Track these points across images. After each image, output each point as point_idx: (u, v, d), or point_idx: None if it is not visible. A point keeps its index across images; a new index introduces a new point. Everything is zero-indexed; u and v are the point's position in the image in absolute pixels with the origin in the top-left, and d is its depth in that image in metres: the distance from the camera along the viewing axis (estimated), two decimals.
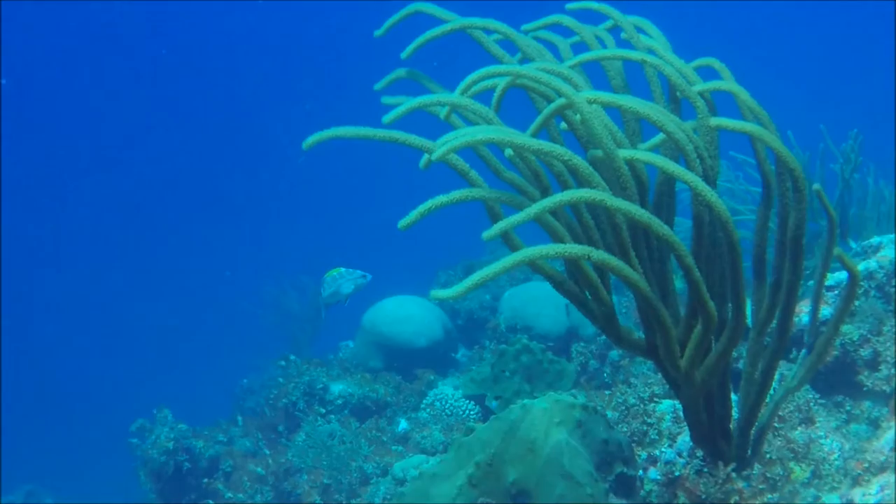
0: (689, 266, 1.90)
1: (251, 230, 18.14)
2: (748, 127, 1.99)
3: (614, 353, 4.61)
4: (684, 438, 2.79)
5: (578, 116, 2.03)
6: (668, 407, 3.24)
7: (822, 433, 2.77)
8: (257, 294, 8.77)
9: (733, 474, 2.24)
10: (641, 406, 3.27)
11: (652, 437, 3.18)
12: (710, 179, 2.01)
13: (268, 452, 4.93)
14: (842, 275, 3.29)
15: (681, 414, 3.01)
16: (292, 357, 5.37)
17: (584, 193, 1.80)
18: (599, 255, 1.80)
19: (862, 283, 3.16)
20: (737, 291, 2.05)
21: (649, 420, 3.24)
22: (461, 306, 5.83)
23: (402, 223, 1.80)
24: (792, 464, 2.60)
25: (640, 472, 2.82)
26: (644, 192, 2.06)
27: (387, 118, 1.90)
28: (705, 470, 2.65)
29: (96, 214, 19.32)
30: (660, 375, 3.62)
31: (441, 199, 1.85)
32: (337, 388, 5.09)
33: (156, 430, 5.06)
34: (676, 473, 2.70)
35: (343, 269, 4.38)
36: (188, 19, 19.73)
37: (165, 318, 15.10)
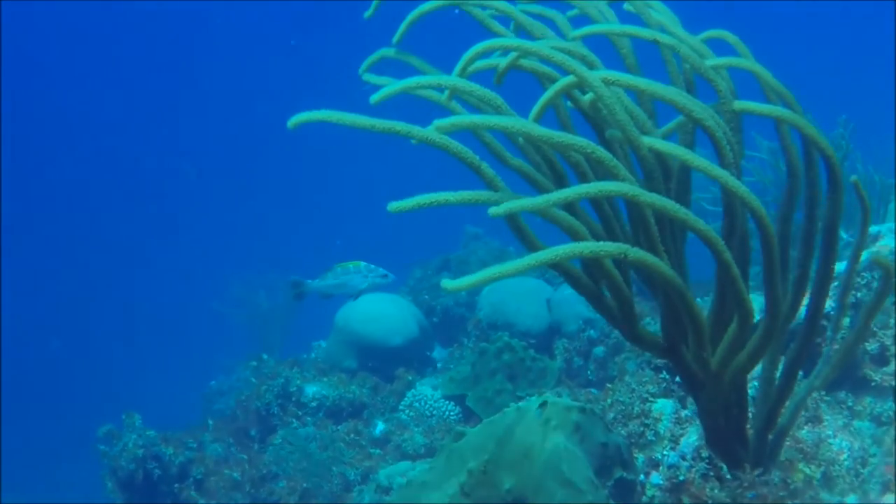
0: (728, 262, 1.76)
1: (219, 227, 17.87)
2: (777, 111, 1.85)
3: (598, 350, 4.48)
4: (688, 440, 2.66)
5: (589, 96, 1.88)
6: (665, 406, 3.11)
7: (830, 432, 2.65)
8: (225, 292, 8.56)
9: (748, 479, 2.10)
10: (637, 406, 3.13)
11: (649, 438, 3.05)
12: (737, 170, 1.87)
13: (245, 457, 4.75)
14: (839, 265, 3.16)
15: (682, 414, 2.89)
16: (265, 356, 5.19)
17: (614, 187, 1.64)
18: (636, 253, 1.65)
19: (864, 275, 3.04)
20: (773, 286, 1.91)
21: (646, 420, 3.10)
22: (437, 303, 5.68)
23: (394, 207, 1.64)
24: (801, 465, 2.47)
25: (642, 476, 2.68)
26: (668, 180, 1.91)
27: (375, 97, 1.72)
28: (711, 474, 2.52)
29: (59, 211, 18.97)
30: (653, 373, 3.49)
31: (447, 196, 1.68)
32: (311, 389, 4.92)
33: (124, 436, 4.87)
34: (681, 478, 2.57)
35: (363, 264, 4.12)
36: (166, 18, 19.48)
37: (131, 318, 14.84)
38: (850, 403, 2.98)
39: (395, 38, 2.01)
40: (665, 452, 2.68)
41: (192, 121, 19.80)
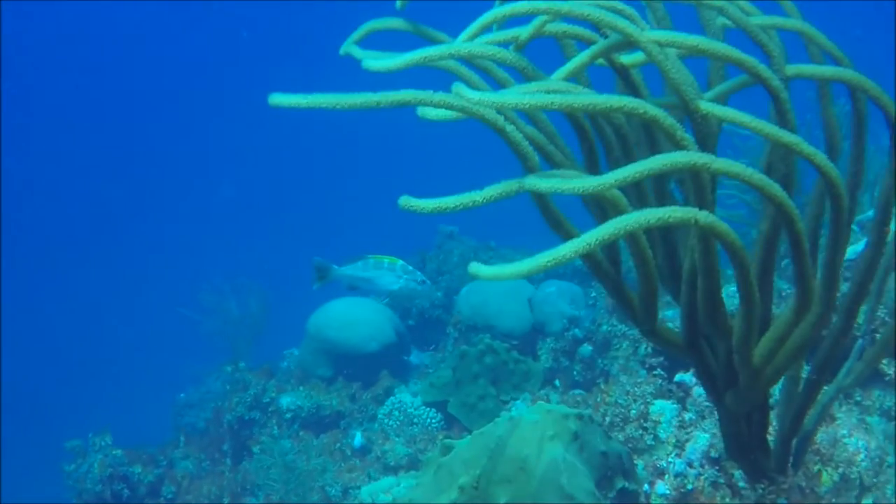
0: (799, 234, 1.57)
1: (186, 230, 17.55)
2: (842, 72, 1.67)
3: (585, 350, 4.30)
4: (694, 446, 2.48)
5: (628, 59, 1.69)
6: (664, 408, 2.94)
7: (844, 431, 2.48)
8: (193, 298, 8.29)
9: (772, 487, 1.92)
10: (635, 408, 2.96)
11: (648, 442, 2.88)
12: None
13: (226, 472, 4.54)
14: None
15: (686, 418, 2.71)
16: (241, 365, 4.97)
17: (683, 157, 1.43)
18: (707, 218, 1.45)
19: None
20: (833, 269, 1.73)
21: (644, 423, 2.93)
22: (412, 305, 5.47)
23: (407, 204, 1.45)
24: (817, 468, 2.30)
25: (646, 486, 2.50)
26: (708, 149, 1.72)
27: (376, 64, 1.51)
28: (721, 481, 2.34)
29: (19, 216, 18.58)
30: (646, 373, 3.31)
31: (473, 197, 1.47)
32: (285, 400, 4.71)
33: (89, 457, 4.65)
34: (689, 487, 2.40)
35: (400, 262, 3.68)
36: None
37: (94, 326, 14.51)
38: (857, 398, 2.81)
39: (399, 4, 1.79)
40: (670, 459, 2.50)
41: (159, 122, 19.52)
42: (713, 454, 2.38)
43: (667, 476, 2.47)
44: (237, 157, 18.97)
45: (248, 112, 14.64)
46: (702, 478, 2.37)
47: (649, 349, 3.27)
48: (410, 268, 3.42)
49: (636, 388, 3.08)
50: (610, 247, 1.82)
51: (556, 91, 1.53)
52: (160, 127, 19.62)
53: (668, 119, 1.52)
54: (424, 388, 4.43)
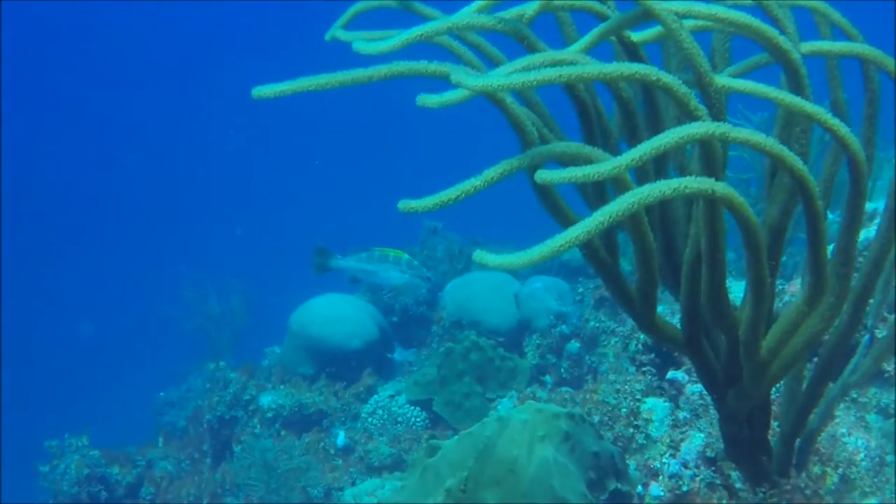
0: (818, 212, 1.48)
1: (168, 226, 17.37)
2: (858, 48, 1.59)
3: (572, 346, 4.22)
4: (690, 446, 2.39)
5: (638, 36, 1.61)
6: (657, 407, 2.86)
7: (844, 430, 2.40)
8: (174, 296, 8.16)
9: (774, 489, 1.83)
10: (626, 406, 2.87)
11: (640, 441, 2.80)
12: None
13: (206, 473, 4.44)
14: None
15: (680, 416, 2.63)
16: (222, 363, 4.87)
17: (699, 128, 1.34)
18: (723, 189, 1.36)
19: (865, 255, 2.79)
20: (847, 255, 1.64)
21: (635, 422, 2.85)
22: (395, 302, 5.37)
23: (407, 206, 1.37)
24: (817, 468, 2.22)
25: (640, 488, 2.41)
26: None
27: (369, 47, 1.41)
28: (718, 482, 2.26)
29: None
30: (634, 371, 3.23)
31: (473, 183, 1.38)
32: (267, 399, 4.61)
33: (66, 457, 4.53)
34: (684, 489, 2.31)
35: (406, 257, 3.47)
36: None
37: (72, 323, 14.33)
38: (854, 395, 2.73)
39: None
40: (665, 460, 2.41)
41: (140, 116, 19.35)
42: (709, 454, 2.29)
43: (661, 477, 2.38)
44: (220, 152, 18.81)
45: (229, 107, 14.51)
46: (697, 479, 2.28)
47: (639, 346, 3.18)
48: (416, 263, 3.25)
49: (626, 386, 3.00)
50: (608, 234, 1.74)
51: (562, 62, 1.43)
52: (142, 121, 19.45)
53: (681, 87, 1.44)
54: (409, 386, 4.33)
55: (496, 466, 2.29)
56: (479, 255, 1.29)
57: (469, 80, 1.38)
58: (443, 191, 1.42)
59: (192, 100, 19.21)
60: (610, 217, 1.26)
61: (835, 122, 1.47)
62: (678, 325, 1.76)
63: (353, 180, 17.64)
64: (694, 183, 1.33)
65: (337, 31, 1.71)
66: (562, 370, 4.23)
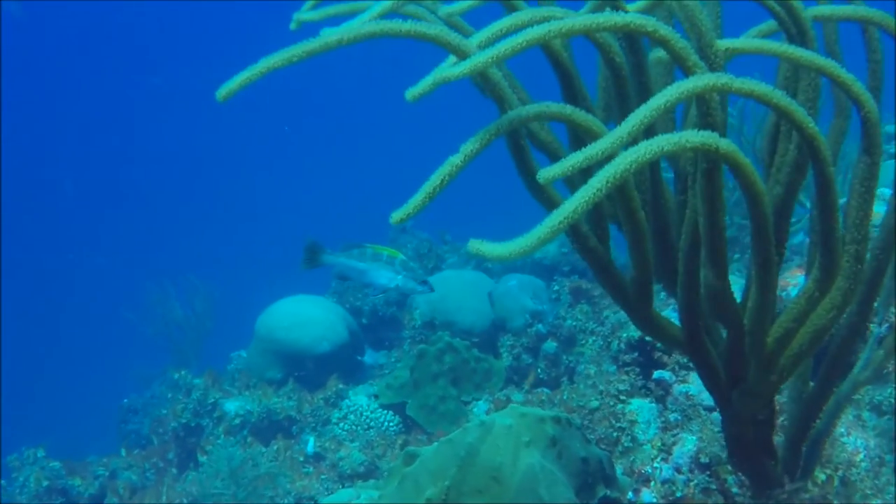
0: (829, 177, 1.37)
1: (129, 224, 17.09)
2: (861, 10, 1.47)
3: (549, 346, 4.09)
4: (682, 450, 2.28)
5: (634, 5, 1.48)
6: (641, 407, 2.74)
7: (842, 429, 2.29)
8: (136, 298, 7.97)
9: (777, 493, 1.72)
10: (609, 407, 2.76)
11: (626, 444, 2.68)
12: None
13: (171, 482, 4.27)
14: None
15: (671, 418, 2.51)
16: (183, 371, 4.71)
17: (706, 80, 1.22)
18: (727, 146, 1.24)
19: None
20: (863, 234, 1.52)
21: (619, 424, 2.73)
22: (364, 303, 5.22)
23: (398, 216, 1.28)
24: (816, 471, 2.11)
25: (630, 494, 2.29)
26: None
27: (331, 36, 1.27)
28: (713, 487, 2.15)
29: None
30: (616, 370, 3.11)
31: (453, 164, 1.27)
32: (233, 405, 4.45)
33: (24, 469, 4.35)
34: (678, 494, 2.20)
35: (401, 257, 3.23)
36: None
37: (35, 328, 14.05)
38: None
39: None
40: (656, 465, 2.29)
41: (100, 118, 19.07)
42: (703, 459, 2.18)
43: (653, 483, 2.27)
44: (178, 152, 18.56)
45: (192, 106, 14.30)
46: (692, 484, 2.17)
47: (622, 345, 3.07)
48: (412, 265, 3.01)
49: (609, 386, 2.89)
50: (598, 220, 1.62)
51: (549, 17, 1.30)
52: (102, 122, 19.18)
53: (680, 41, 1.33)
54: (381, 389, 4.20)
55: (479, 474, 2.16)
56: (475, 245, 1.18)
57: (455, 69, 1.26)
58: (426, 182, 1.31)
59: (148, 98, 18.97)
60: (608, 181, 1.13)
61: (848, 77, 1.36)
62: (676, 322, 1.64)
63: (319, 180, 17.47)
64: (696, 137, 1.22)
65: (304, 14, 1.57)
66: (538, 371, 4.11)
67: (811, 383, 1.73)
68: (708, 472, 2.15)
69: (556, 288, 4.38)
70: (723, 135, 1.45)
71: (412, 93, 1.31)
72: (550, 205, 1.53)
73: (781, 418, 1.88)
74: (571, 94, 1.62)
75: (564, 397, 3.31)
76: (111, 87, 19.22)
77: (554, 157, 1.72)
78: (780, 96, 1.29)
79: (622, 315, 3.29)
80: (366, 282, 3.00)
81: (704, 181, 1.43)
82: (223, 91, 1.31)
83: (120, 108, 19.15)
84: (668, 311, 2.80)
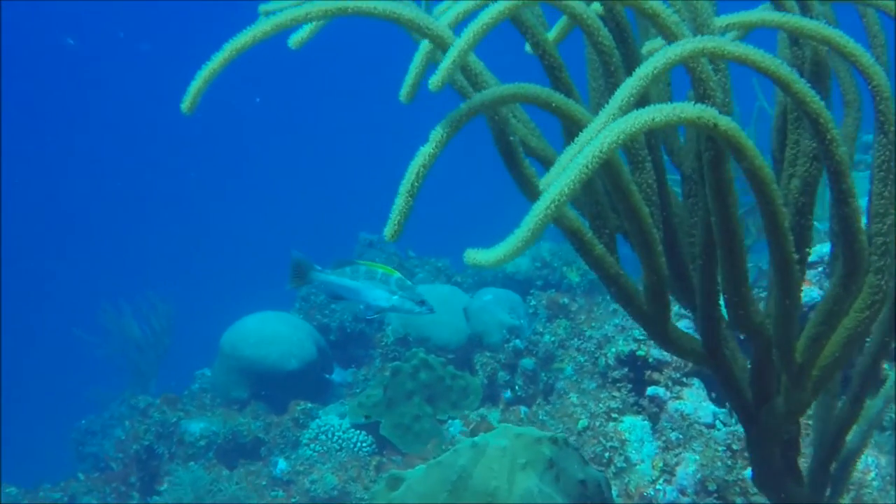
0: (841, 161, 1.25)
1: (85, 239, 16.76)
2: None
3: (527, 362, 3.97)
4: (686, 471, 2.16)
5: None
6: (634, 425, 2.62)
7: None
8: (91, 316, 7.74)
9: None
10: (601, 427, 2.64)
11: (619, 465, 2.55)
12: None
13: None
14: (823, 248, 2.73)
15: (672, 437, 2.39)
16: (147, 388, 4.54)
17: (705, 42, 1.11)
18: (726, 123, 1.12)
19: None
20: (888, 224, 1.39)
21: (610, 443, 2.61)
22: (332, 319, 5.07)
23: (392, 231, 1.17)
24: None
25: None
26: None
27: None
28: None
29: None
30: (596, 387, 2.99)
31: (425, 153, 1.16)
32: (197, 426, 4.28)
33: None
34: None
35: (397, 276, 3.02)
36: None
37: None
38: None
39: None
40: (659, 486, 2.17)
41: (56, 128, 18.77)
42: (710, 486, 2.06)
43: None
44: (139, 165, 18.28)
45: (149, 116, 14.09)
46: None
47: (611, 360, 2.94)
48: (408, 283, 2.83)
49: (598, 404, 2.77)
50: (602, 225, 1.51)
51: None
52: (61, 133, 18.87)
53: (672, 15, 1.22)
54: (353, 408, 4.04)
55: (473, 500, 2.03)
56: (471, 256, 1.06)
57: (443, 65, 1.15)
58: (401, 184, 1.19)
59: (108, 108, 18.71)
60: (595, 156, 1.01)
61: (856, 48, 1.25)
62: (696, 336, 1.52)
63: (286, 190, 17.28)
64: (692, 109, 1.11)
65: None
66: (517, 388, 3.98)
67: (841, 398, 1.61)
68: (715, 495, 2.04)
69: (533, 303, 4.26)
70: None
71: (404, 94, 1.21)
72: (530, 190, 1.42)
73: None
74: (560, 89, 1.50)
75: (541, 417, 3.19)
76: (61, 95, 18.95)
77: (547, 165, 1.61)
78: (777, 65, 1.18)
79: (607, 330, 3.18)
80: (359, 301, 2.82)
81: (711, 172, 1.31)
82: (187, 102, 1.20)
83: (69, 119, 18.88)
84: (682, 323, 2.68)
